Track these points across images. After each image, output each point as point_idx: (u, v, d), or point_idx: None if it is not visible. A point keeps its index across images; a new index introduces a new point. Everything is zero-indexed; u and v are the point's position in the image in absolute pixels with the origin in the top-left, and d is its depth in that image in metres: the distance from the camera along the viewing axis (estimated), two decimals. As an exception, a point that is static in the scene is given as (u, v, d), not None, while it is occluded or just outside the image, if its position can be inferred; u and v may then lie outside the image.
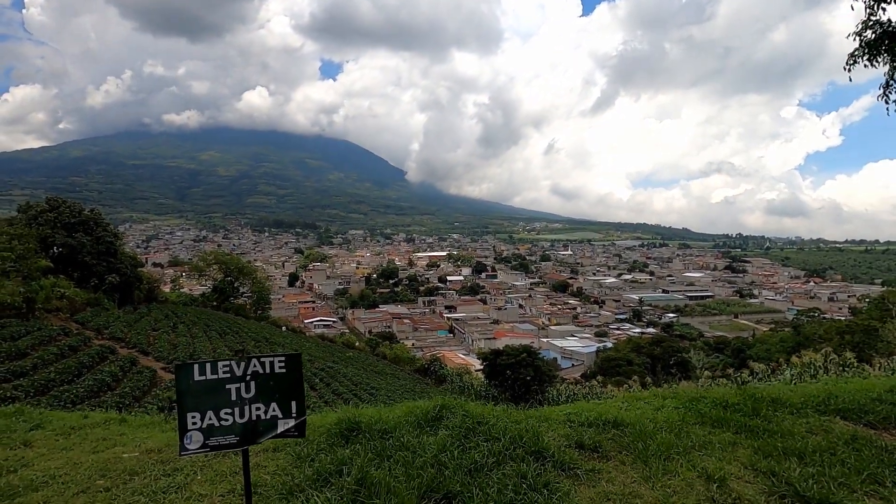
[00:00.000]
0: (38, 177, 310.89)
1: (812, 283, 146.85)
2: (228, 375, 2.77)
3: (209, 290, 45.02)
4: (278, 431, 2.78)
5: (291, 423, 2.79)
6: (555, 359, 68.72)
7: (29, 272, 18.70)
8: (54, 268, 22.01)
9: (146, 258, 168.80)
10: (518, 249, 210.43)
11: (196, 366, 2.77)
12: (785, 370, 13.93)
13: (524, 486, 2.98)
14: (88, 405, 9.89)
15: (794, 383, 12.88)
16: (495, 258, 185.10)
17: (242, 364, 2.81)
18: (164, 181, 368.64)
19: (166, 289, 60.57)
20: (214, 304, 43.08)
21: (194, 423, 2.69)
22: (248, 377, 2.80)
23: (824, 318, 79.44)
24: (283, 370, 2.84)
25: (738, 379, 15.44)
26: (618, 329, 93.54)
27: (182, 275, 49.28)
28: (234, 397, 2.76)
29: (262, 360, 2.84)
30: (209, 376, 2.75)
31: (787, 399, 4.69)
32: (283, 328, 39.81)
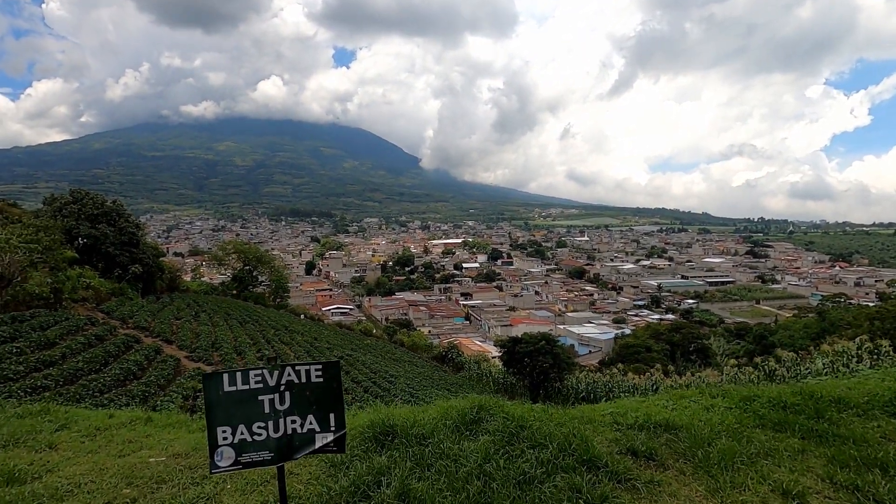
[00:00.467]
0: (62, 169, 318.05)
1: (837, 268, 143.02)
2: (261, 386, 2.56)
3: (229, 279, 45.60)
4: (316, 447, 2.56)
5: (330, 437, 2.57)
6: (572, 346, 68.32)
7: (56, 263, 18.97)
8: (79, 258, 22.35)
9: (167, 248, 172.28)
10: (534, 236, 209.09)
11: (226, 376, 2.55)
12: (816, 358, 13.42)
13: (580, 501, 2.74)
14: (115, 394, 9.95)
15: (827, 373, 12.41)
16: (511, 245, 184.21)
17: (276, 373, 2.59)
18: (183, 172, 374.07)
19: (187, 278, 61.62)
20: (234, 292, 43.66)
21: (225, 439, 2.46)
22: (282, 387, 2.58)
23: (850, 303, 77.46)
24: (321, 379, 2.62)
25: (766, 367, 14.99)
26: (636, 315, 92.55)
27: (202, 264, 50.23)
28: (267, 409, 2.54)
29: (297, 368, 2.63)
30: (240, 387, 2.53)
31: (850, 398, 4.33)
32: (302, 316, 40.14)
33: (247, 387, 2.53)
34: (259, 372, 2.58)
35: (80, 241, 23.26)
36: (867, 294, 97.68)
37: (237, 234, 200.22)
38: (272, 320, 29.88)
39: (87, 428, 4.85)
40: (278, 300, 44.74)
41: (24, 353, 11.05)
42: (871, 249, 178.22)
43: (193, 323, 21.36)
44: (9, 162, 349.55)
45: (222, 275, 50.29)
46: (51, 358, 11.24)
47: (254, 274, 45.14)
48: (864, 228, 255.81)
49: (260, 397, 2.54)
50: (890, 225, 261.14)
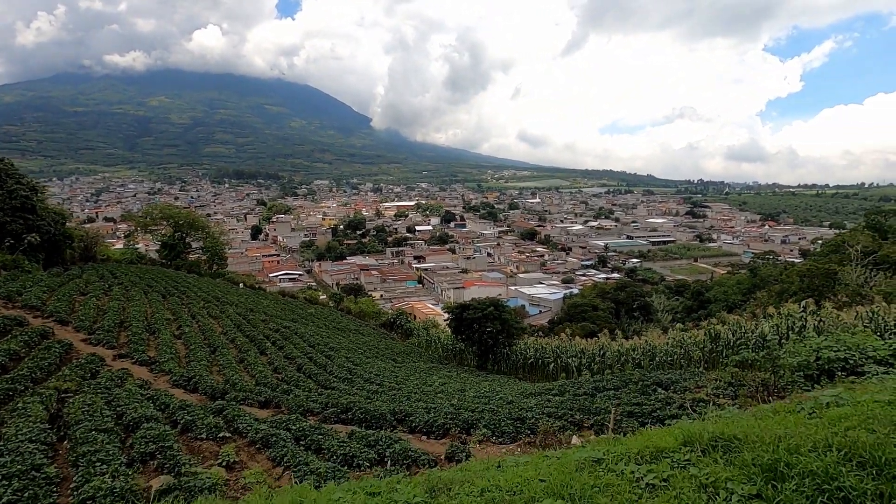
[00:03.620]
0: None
1: (767, 227, 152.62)
2: None
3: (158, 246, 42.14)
4: None
5: None
6: (523, 306, 69.46)
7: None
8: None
9: (97, 212, 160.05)
10: (486, 198, 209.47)
11: None
12: (762, 323, 13.22)
13: None
14: (-34, 396, 8.09)
15: (775, 339, 12.22)
16: (464, 207, 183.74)
17: None
18: (111, 129, 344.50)
19: (119, 245, 56.57)
20: (165, 261, 40.43)
21: None
22: None
23: (778, 260, 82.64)
24: None
25: (711, 332, 14.84)
26: (584, 275, 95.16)
27: (137, 230, 45.97)
28: None
29: None
30: None
31: None
32: (241, 285, 37.73)
33: None
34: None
35: (-41, 207, 19.93)
36: (791, 251, 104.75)
37: (176, 198, 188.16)
38: (204, 291, 27.60)
39: None
40: (214, 268, 41.82)
41: None
42: (797, 209, 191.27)
43: (103, 298, 19.00)
44: None
45: (159, 241, 46.46)
46: None
47: (186, 240, 41.80)
48: (791, 189, 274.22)
49: None
50: (814, 186, 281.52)
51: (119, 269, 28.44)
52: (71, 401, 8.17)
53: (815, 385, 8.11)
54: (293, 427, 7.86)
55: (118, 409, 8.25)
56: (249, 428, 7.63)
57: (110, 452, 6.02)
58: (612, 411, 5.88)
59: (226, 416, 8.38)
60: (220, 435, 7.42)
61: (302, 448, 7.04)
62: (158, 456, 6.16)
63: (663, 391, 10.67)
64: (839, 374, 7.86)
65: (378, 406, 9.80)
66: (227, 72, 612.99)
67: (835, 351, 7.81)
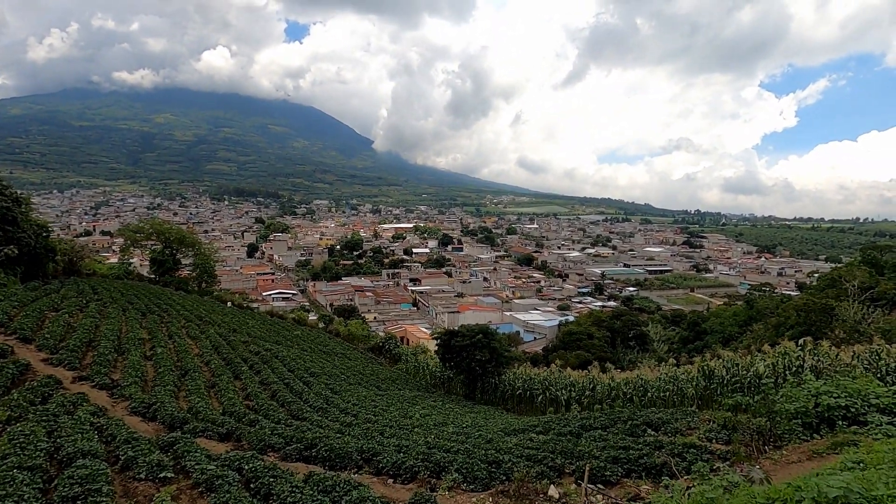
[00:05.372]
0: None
1: (763, 259, 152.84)
2: None
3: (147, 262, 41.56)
4: None
5: None
6: (517, 332, 68.56)
7: None
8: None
9: (94, 226, 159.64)
10: (485, 222, 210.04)
11: None
12: (756, 360, 12.63)
13: None
14: None
15: (771, 379, 11.62)
16: (462, 231, 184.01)
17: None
18: (116, 144, 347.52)
19: (114, 259, 55.76)
20: (154, 277, 39.81)
21: None
22: None
23: (774, 293, 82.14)
24: None
25: (705, 368, 14.24)
26: (580, 302, 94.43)
27: (131, 244, 45.43)
28: None
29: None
30: None
31: None
32: (229, 304, 36.95)
33: None
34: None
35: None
36: (788, 283, 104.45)
37: (175, 213, 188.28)
38: (187, 309, 26.86)
39: None
40: (203, 285, 41.12)
41: None
42: (792, 242, 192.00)
43: (77, 315, 18.31)
44: None
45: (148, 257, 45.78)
46: None
47: (176, 257, 41.21)
48: (787, 222, 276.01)
49: None
50: (809, 220, 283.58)
51: (102, 285, 27.74)
52: (8, 430, 7.50)
53: (815, 434, 7.51)
54: (246, 466, 7.17)
55: (58, 441, 7.57)
56: (197, 467, 6.96)
57: (25, 497, 5.36)
58: (586, 469, 5.26)
59: (176, 451, 7.69)
60: (162, 475, 6.74)
61: (249, 494, 6.37)
62: (80, 501, 5.49)
63: (653, 432, 10.03)
64: (840, 423, 7.29)
65: (346, 443, 9.11)
66: (234, 92, 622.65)
67: (835, 397, 7.25)
